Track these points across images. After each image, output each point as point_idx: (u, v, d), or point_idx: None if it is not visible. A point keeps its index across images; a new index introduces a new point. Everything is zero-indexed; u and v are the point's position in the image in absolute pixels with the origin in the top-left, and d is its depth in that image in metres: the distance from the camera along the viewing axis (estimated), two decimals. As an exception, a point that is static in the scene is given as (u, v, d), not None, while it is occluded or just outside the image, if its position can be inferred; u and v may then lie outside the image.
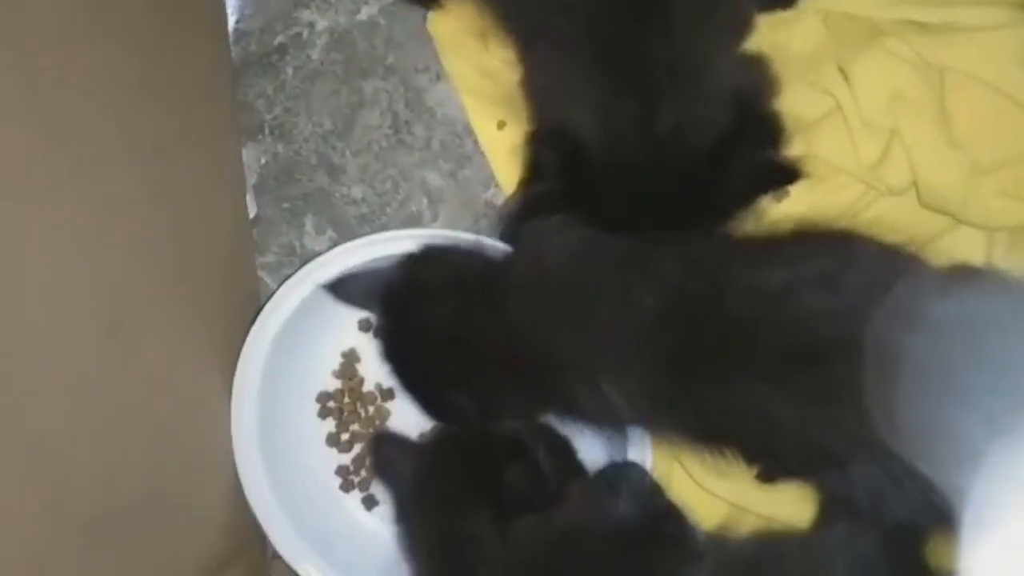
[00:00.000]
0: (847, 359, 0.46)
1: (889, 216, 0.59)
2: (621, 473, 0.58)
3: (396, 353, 0.60)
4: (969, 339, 0.44)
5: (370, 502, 0.71)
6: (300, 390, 0.69)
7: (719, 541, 0.54)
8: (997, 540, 0.36)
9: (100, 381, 0.53)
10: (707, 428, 0.52)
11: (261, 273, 0.71)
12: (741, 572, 0.51)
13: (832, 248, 0.50)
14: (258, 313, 0.65)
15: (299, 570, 0.66)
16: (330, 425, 0.71)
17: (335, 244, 0.67)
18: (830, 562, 0.50)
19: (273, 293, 0.65)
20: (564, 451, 0.59)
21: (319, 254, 0.64)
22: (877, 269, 0.49)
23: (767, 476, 0.61)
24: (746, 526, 0.59)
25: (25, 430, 0.47)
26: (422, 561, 0.58)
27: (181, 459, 0.61)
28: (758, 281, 0.49)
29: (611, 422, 0.56)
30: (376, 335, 0.62)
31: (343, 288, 0.64)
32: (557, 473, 0.56)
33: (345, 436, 0.71)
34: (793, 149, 0.60)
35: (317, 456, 0.71)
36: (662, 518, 0.55)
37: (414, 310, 0.58)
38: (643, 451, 0.61)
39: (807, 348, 0.47)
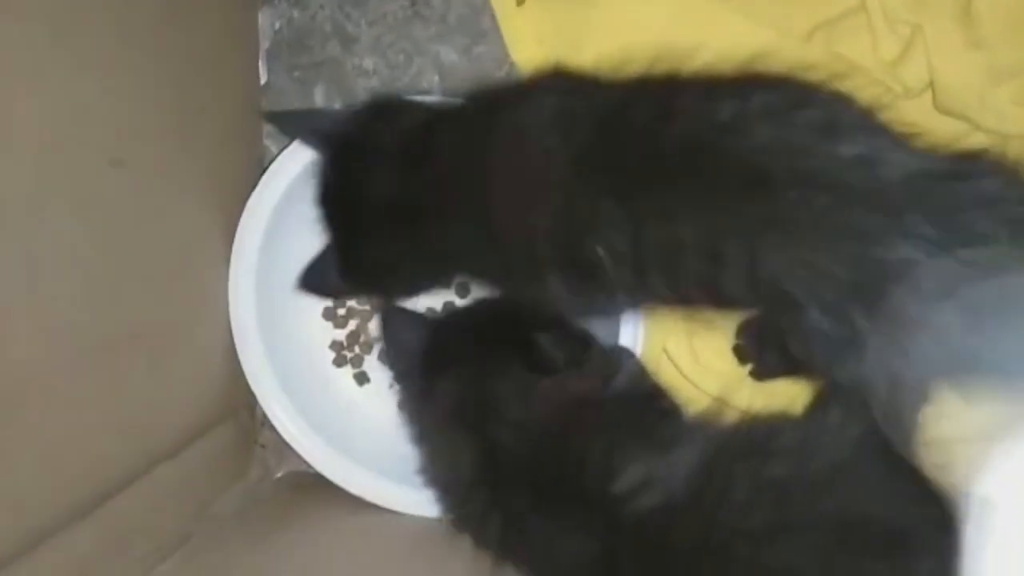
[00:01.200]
0: (798, 192, 0.45)
1: (906, 118, 0.58)
2: (616, 353, 0.58)
3: (333, 203, 0.59)
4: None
5: (362, 378, 0.72)
6: (299, 260, 0.69)
7: (711, 422, 0.55)
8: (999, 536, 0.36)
9: (101, 210, 0.52)
10: (664, 277, 0.49)
11: (267, 142, 0.71)
12: (733, 450, 0.51)
13: (786, 87, 0.49)
14: (261, 176, 0.65)
15: (288, 438, 0.67)
16: (327, 299, 0.71)
17: (343, 115, 0.66)
18: (823, 443, 0.50)
19: (275, 156, 0.65)
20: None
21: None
22: (830, 111, 0.48)
23: (760, 374, 0.62)
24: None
25: (23, 252, 0.47)
26: (430, 434, 0.59)
27: (176, 302, 0.61)
28: (708, 110, 0.48)
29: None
30: (314, 177, 0.60)
31: (287, 121, 0.64)
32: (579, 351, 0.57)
33: (342, 311, 0.72)
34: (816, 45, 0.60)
35: (312, 329, 0.72)
36: (654, 396, 0.56)
37: (358, 164, 0.57)
38: (634, 338, 0.61)
39: (757, 179, 0.45)
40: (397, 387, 0.65)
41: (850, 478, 0.49)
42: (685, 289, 0.49)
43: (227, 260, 0.66)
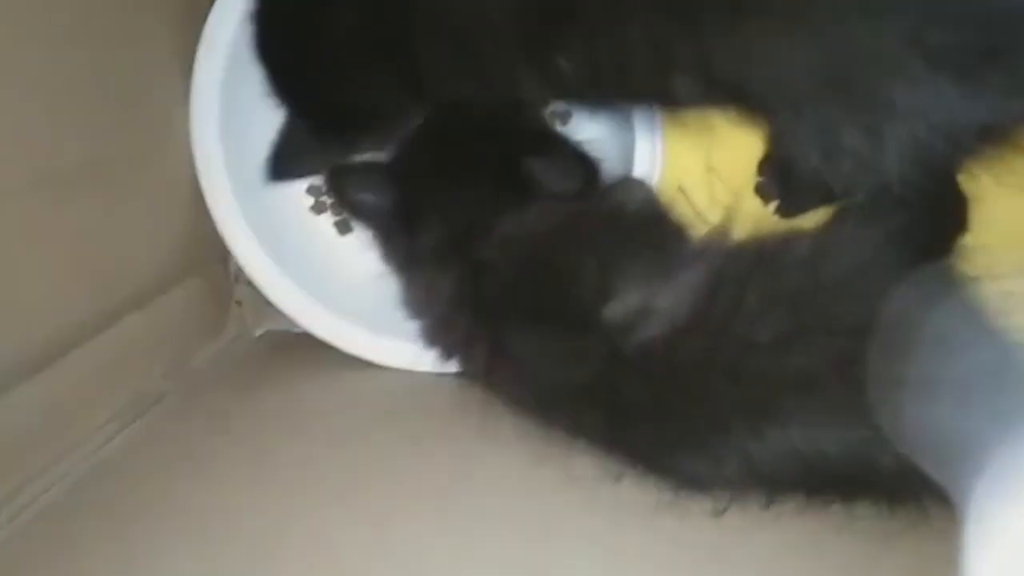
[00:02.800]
0: None
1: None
2: (627, 184, 0.53)
3: (290, 48, 0.52)
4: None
5: (343, 227, 0.66)
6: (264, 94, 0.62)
7: (720, 241, 0.50)
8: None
9: (57, 33, 0.47)
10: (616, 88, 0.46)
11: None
12: (743, 265, 0.47)
13: None
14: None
15: (265, 289, 0.62)
16: (309, 178, 0.64)
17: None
18: (839, 249, 0.46)
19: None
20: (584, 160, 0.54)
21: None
22: None
23: (786, 211, 0.57)
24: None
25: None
26: (411, 266, 0.54)
27: (136, 131, 0.55)
28: None
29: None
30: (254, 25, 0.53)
31: None
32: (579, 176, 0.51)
33: (319, 153, 0.65)
34: None
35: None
36: (660, 218, 0.52)
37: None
38: (649, 173, 0.56)
39: None
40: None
41: (870, 282, 0.45)
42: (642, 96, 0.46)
43: (186, 86, 0.58)
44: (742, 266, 0.47)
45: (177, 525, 0.45)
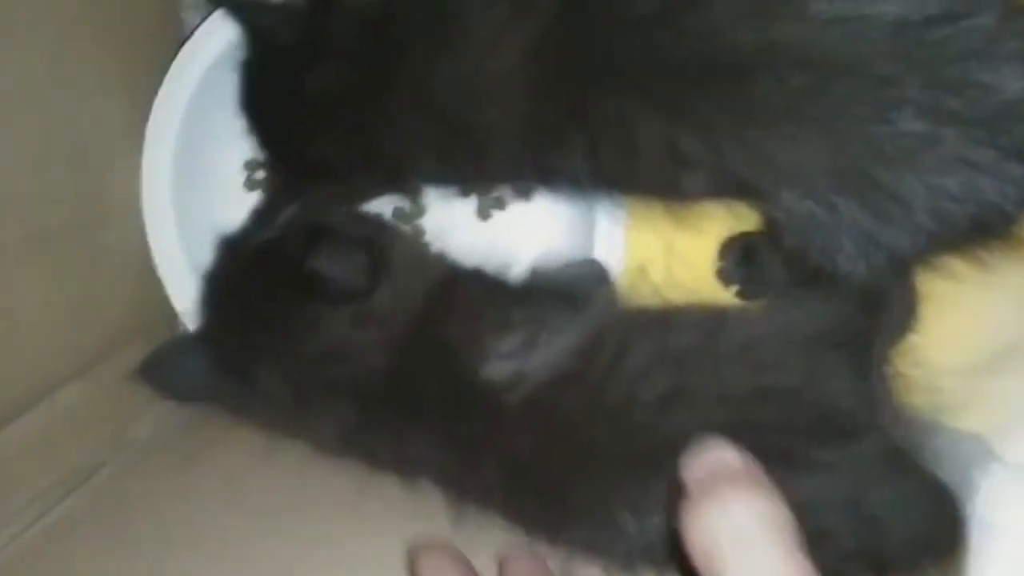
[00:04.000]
0: (769, 74, 0.39)
1: None
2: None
3: (270, 105, 0.52)
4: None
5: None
6: (223, 155, 0.60)
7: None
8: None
9: None
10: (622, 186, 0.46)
11: (183, 14, 0.61)
12: (631, 324, 0.48)
13: None
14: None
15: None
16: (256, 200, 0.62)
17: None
18: (739, 320, 0.47)
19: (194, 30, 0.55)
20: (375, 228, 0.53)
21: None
22: None
23: (746, 295, 0.56)
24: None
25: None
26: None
27: (80, 198, 0.53)
28: None
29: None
30: (241, 76, 0.52)
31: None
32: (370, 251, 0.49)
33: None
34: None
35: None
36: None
37: (300, 61, 0.49)
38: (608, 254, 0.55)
39: (719, 63, 0.40)
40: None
41: (768, 353, 0.46)
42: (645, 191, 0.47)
43: (139, 151, 0.57)
44: (630, 323, 0.47)
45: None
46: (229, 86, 0.54)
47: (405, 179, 0.54)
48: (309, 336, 0.49)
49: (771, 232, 0.50)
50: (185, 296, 0.58)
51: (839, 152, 0.40)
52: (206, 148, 0.59)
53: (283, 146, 0.53)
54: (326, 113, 0.50)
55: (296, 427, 0.51)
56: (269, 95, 0.52)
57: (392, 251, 0.51)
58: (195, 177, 0.59)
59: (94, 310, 0.55)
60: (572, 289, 0.51)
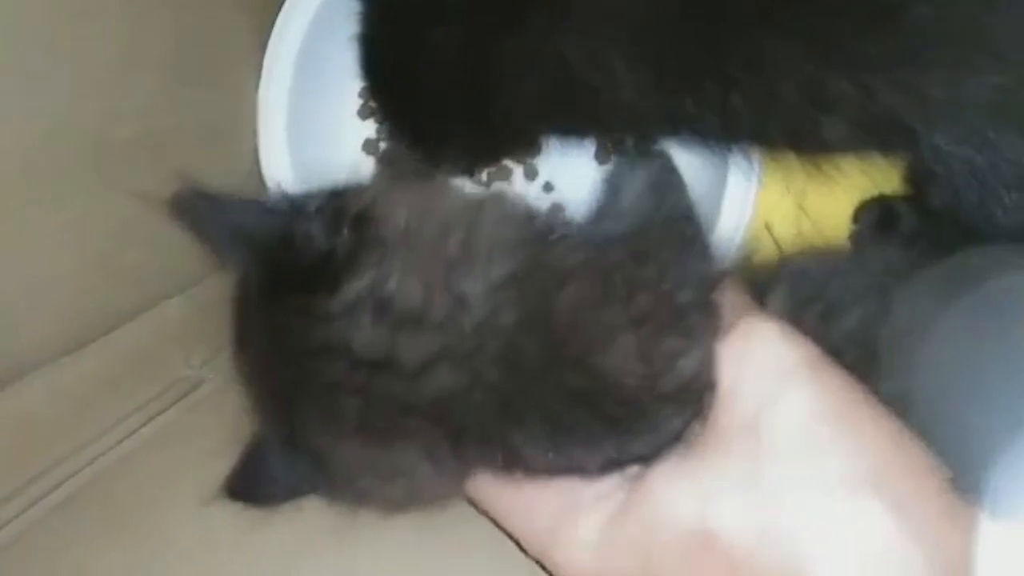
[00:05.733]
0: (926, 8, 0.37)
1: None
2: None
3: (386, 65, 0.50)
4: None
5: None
6: (338, 78, 0.59)
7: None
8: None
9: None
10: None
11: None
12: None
13: None
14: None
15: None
16: (369, 129, 0.61)
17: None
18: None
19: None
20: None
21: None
22: None
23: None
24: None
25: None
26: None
27: (215, 105, 0.53)
28: None
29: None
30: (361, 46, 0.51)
31: None
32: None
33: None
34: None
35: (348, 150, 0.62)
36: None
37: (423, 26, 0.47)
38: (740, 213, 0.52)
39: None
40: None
41: None
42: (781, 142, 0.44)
43: (257, 72, 0.56)
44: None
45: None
46: (346, 13, 0.52)
47: (531, 138, 0.52)
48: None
49: (917, 191, 0.47)
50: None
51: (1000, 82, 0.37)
52: (322, 75, 0.58)
53: (409, 117, 0.53)
54: (451, 76, 0.48)
55: None
56: (392, 64, 0.51)
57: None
58: (309, 103, 0.58)
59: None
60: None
